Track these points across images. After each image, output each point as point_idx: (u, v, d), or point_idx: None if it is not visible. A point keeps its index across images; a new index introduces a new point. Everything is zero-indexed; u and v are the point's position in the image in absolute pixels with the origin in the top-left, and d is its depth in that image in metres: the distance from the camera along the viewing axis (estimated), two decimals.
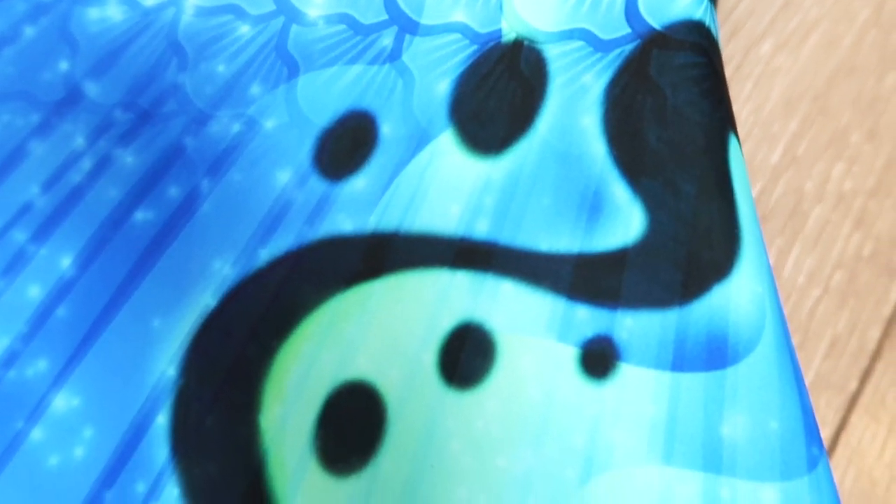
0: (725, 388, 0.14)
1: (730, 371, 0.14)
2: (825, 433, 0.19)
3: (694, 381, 0.14)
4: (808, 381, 0.20)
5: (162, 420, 0.15)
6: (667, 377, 0.14)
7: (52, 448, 0.15)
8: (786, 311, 0.21)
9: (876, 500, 0.19)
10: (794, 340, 0.20)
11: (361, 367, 0.15)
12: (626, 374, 0.15)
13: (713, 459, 0.14)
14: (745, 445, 0.14)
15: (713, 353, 0.14)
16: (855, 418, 0.20)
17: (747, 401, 0.14)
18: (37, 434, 0.16)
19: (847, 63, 0.24)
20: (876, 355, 0.20)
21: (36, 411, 0.16)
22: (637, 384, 0.14)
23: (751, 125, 0.23)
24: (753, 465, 0.14)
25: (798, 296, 0.21)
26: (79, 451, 0.15)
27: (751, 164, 0.22)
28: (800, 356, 0.20)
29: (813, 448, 0.14)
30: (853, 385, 0.20)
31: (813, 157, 0.22)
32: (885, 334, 0.21)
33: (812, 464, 0.14)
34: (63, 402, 0.16)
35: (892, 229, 0.22)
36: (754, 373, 0.14)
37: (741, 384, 0.14)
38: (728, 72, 0.24)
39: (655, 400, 0.14)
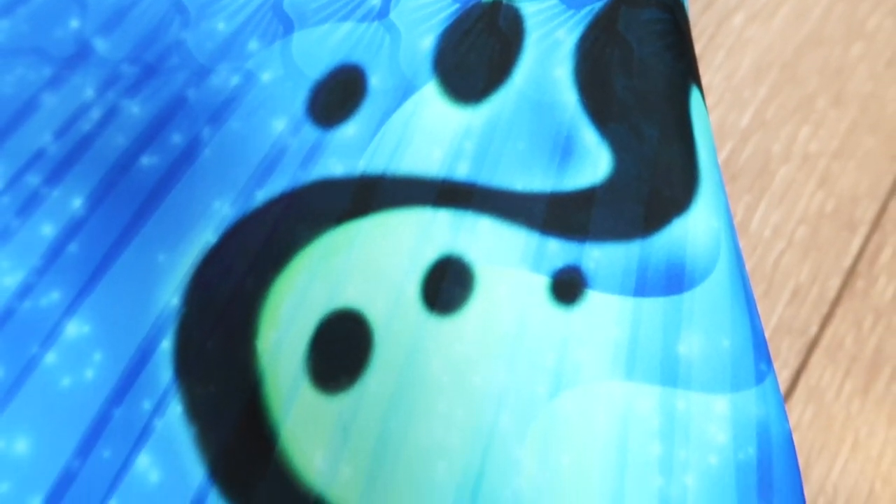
0: (682, 310, 0.15)
1: (686, 295, 0.16)
2: (786, 374, 0.21)
3: (654, 305, 0.16)
4: (770, 326, 0.21)
5: (166, 345, 0.17)
6: (629, 302, 0.16)
7: (65, 370, 0.17)
8: (751, 263, 0.22)
9: (833, 435, 0.20)
10: (759, 289, 0.22)
11: (350, 297, 0.17)
12: (593, 299, 0.16)
13: (670, 375, 0.15)
14: (700, 362, 0.15)
15: (672, 280, 0.16)
16: (814, 360, 0.21)
17: (702, 322, 0.15)
18: (50, 358, 0.17)
19: (815, 34, 0.25)
20: (836, 303, 0.22)
21: (49, 337, 0.17)
22: (602, 309, 0.16)
23: (722, 91, 0.24)
24: (706, 379, 0.15)
25: (763, 248, 0.22)
26: (89, 373, 0.17)
27: (721, 127, 0.24)
28: (763, 304, 0.21)
29: (761, 364, 0.15)
30: (813, 330, 0.21)
31: (780, 120, 0.24)
32: (845, 284, 0.22)
33: (760, 377, 0.15)
34: (75, 328, 0.17)
35: (854, 188, 0.23)
36: (709, 297, 0.15)
37: (697, 307, 0.15)
38: (702, 42, 0.25)
39: (619, 322, 0.16)
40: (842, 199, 0.23)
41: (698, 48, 0.25)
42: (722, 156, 0.23)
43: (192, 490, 0.16)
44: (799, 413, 0.20)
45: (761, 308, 0.21)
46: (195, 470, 0.16)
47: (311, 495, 0.16)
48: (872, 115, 0.24)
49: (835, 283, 0.22)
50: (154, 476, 0.16)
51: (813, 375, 0.21)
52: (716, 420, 0.15)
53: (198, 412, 0.16)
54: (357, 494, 0.15)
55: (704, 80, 0.24)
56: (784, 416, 0.15)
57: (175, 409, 0.16)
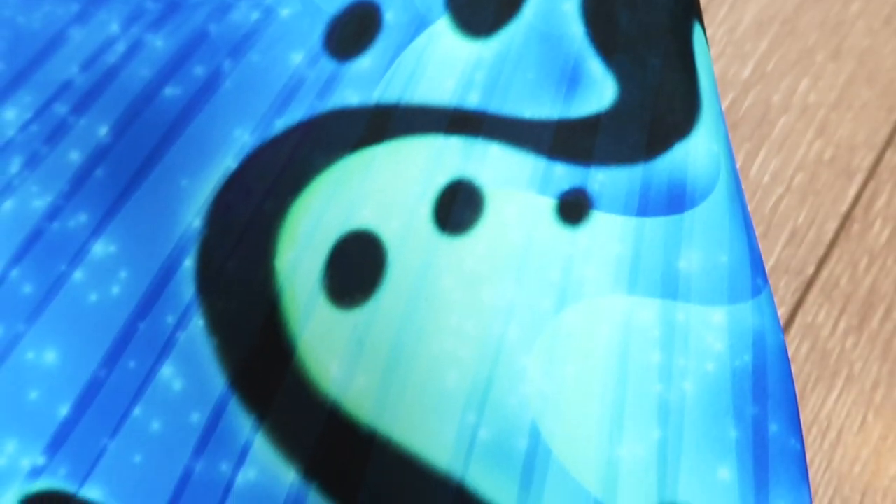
0: (683, 228, 0.16)
1: (687, 215, 0.16)
2: (783, 311, 0.21)
3: (656, 224, 0.16)
4: (768, 266, 0.22)
5: (189, 263, 0.17)
6: (632, 221, 0.16)
7: (92, 287, 0.17)
8: (750, 207, 0.23)
9: (828, 369, 0.21)
10: (758, 231, 0.22)
11: (365, 218, 0.17)
12: (597, 219, 0.17)
13: (670, 288, 0.16)
14: (699, 276, 0.16)
15: (673, 200, 0.16)
16: (810, 299, 0.22)
17: (701, 239, 0.16)
18: (78, 275, 0.18)
19: None
20: (832, 245, 0.22)
21: (77, 256, 0.18)
22: (606, 228, 0.16)
23: (724, 44, 0.25)
24: (705, 292, 0.16)
25: (763, 193, 0.23)
26: (115, 290, 0.17)
27: (723, 78, 0.24)
28: (761, 245, 0.22)
29: (757, 279, 0.16)
30: (810, 270, 0.22)
31: (781, 73, 0.24)
32: (842, 227, 0.23)
33: (756, 291, 0.16)
34: (101, 248, 0.18)
35: (852, 137, 0.24)
36: (708, 215, 0.16)
37: (697, 225, 0.16)
38: None
39: (622, 240, 0.16)
40: (839, 148, 0.24)
41: (703, 3, 0.25)
42: (723, 106, 0.24)
43: (214, 398, 0.17)
44: (795, 348, 0.21)
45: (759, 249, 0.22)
46: (216, 379, 0.17)
47: (327, 403, 0.16)
48: (870, 69, 0.25)
49: (831, 226, 0.23)
50: (177, 385, 0.17)
51: (809, 313, 0.21)
52: (713, 330, 0.16)
53: (219, 326, 0.17)
54: (371, 402, 0.16)
55: (707, 34, 0.25)
56: (779, 328, 0.16)
57: (197, 323, 0.17)
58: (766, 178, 0.23)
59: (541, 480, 0.15)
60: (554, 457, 0.15)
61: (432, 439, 0.16)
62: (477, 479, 0.15)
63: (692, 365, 0.15)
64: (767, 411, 0.15)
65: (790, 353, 0.21)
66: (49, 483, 0.16)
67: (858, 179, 0.23)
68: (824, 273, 0.22)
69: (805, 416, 0.20)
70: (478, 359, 0.16)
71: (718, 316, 0.16)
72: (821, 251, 0.22)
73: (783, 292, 0.22)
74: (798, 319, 0.21)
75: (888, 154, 0.24)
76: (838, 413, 0.20)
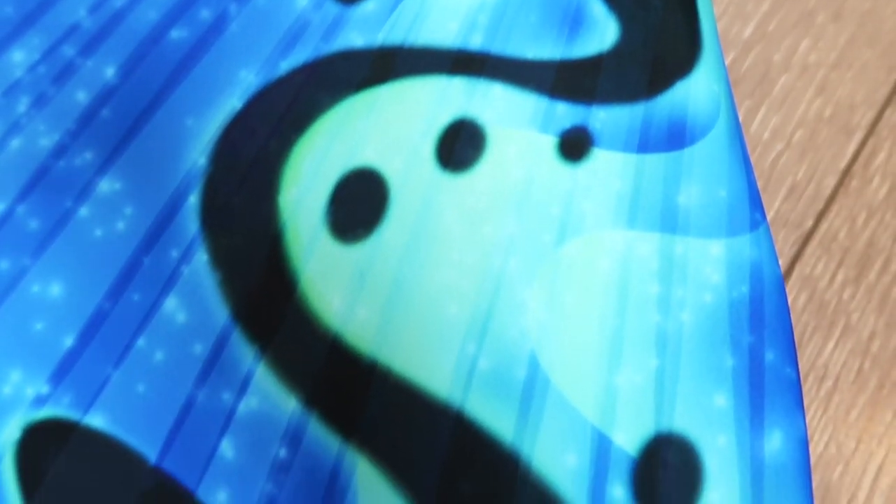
0: (682, 164, 0.16)
1: (687, 151, 0.16)
2: (781, 263, 0.22)
3: (656, 160, 0.16)
4: (767, 219, 0.22)
5: (193, 200, 0.18)
6: (632, 158, 0.17)
7: (97, 222, 0.18)
8: (751, 161, 0.23)
9: (825, 319, 0.21)
10: (757, 185, 0.22)
11: (368, 156, 0.18)
12: (598, 156, 0.17)
13: (669, 222, 0.16)
14: (698, 210, 0.16)
15: (673, 137, 0.17)
16: (809, 251, 0.22)
17: (701, 174, 0.16)
18: (83, 211, 0.18)
19: None
20: (831, 199, 0.22)
21: (83, 193, 0.18)
22: (607, 164, 0.17)
23: (727, 4, 0.25)
24: (704, 225, 0.16)
25: (763, 148, 0.23)
26: (120, 225, 0.18)
27: (725, 36, 0.25)
28: (761, 198, 0.22)
29: (755, 213, 0.16)
30: (809, 223, 0.22)
31: (782, 33, 0.25)
32: (841, 182, 0.23)
33: (754, 225, 0.16)
34: (107, 185, 0.18)
35: (851, 96, 0.24)
36: (708, 151, 0.16)
37: (696, 161, 0.16)
38: None
39: (622, 176, 0.17)
40: (839, 107, 0.24)
41: None
42: (725, 63, 0.24)
43: (216, 329, 0.17)
44: (793, 298, 0.21)
45: None
46: (219, 311, 0.17)
47: (329, 334, 0.16)
48: (870, 30, 0.25)
49: (830, 181, 0.23)
50: (181, 317, 0.17)
51: (807, 265, 0.22)
52: (711, 262, 0.16)
53: (222, 260, 0.17)
54: (372, 333, 0.16)
55: None
56: (776, 262, 0.16)
57: (201, 258, 0.17)
58: (767, 135, 0.23)
59: (539, 408, 0.15)
60: (552, 385, 0.16)
61: (432, 369, 0.16)
62: (476, 407, 0.16)
63: (690, 296, 0.16)
64: (764, 340, 0.15)
65: (788, 304, 0.21)
66: (53, 411, 0.16)
67: (858, 137, 0.23)
68: (823, 226, 0.22)
69: (802, 365, 0.20)
70: (478, 291, 0.16)
71: (717, 248, 0.16)
72: (819, 205, 0.22)
73: (782, 245, 0.22)
74: (796, 271, 0.22)
75: (888, 112, 0.24)
76: (835, 362, 0.21)
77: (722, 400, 0.15)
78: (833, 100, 0.24)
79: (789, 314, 0.15)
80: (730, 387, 0.15)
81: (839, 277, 0.22)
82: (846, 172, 0.23)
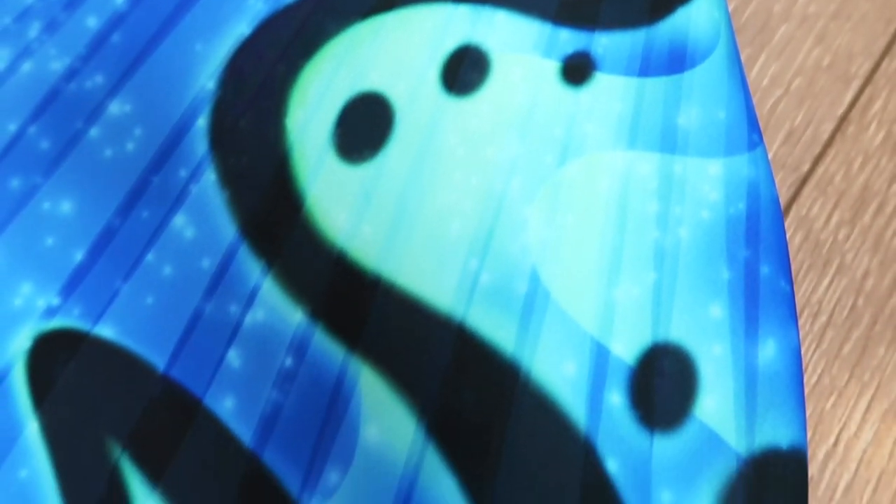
0: (682, 87, 0.17)
1: (686, 74, 0.17)
2: None
3: (656, 84, 0.17)
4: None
5: (202, 122, 0.18)
6: (634, 81, 0.17)
7: (107, 143, 0.18)
8: None
9: (820, 258, 0.21)
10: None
11: (374, 81, 0.18)
12: (600, 80, 0.17)
13: (669, 143, 0.16)
14: (697, 131, 0.16)
15: (674, 61, 0.17)
16: (805, 193, 0.22)
17: (700, 96, 0.17)
18: (94, 132, 0.18)
19: None
20: (828, 144, 0.23)
21: (93, 114, 0.18)
22: (609, 88, 0.17)
23: None
24: (702, 145, 0.16)
25: (761, 94, 0.23)
26: (130, 146, 0.18)
27: None
28: None
29: (753, 135, 0.16)
30: (806, 167, 0.22)
31: None
32: (838, 128, 0.23)
33: (752, 146, 0.16)
34: (117, 107, 0.18)
35: (849, 46, 0.24)
36: (708, 75, 0.17)
37: (696, 84, 0.17)
38: None
39: (623, 99, 0.17)
40: (838, 56, 0.24)
41: None
42: None
43: (224, 245, 0.17)
44: (789, 238, 0.22)
45: None
46: (227, 228, 0.17)
47: (334, 250, 0.17)
48: None
49: (828, 127, 0.23)
50: (189, 233, 0.17)
51: (804, 206, 0.22)
52: (709, 181, 0.16)
53: (230, 179, 0.18)
54: (376, 250, 0.17)
55: None
56: (772, 182, 0.16)
57: (209, 177, 0.18)
58: (766, 81, 0.23)
59: (539, 320, 0.16)
60: (552, 299, 0.16)
61: (435, 284, 0.16)
62: (477, 319, 0.16)
63: (688, 213, 0.16)
64: (759, 254, 0.16)
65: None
66: (63, 322, 0.17)
67: (855, 85, 0.24)
68: (819, 170, 0.22)
69: (797, 301, 0.21)
70: (481, 209, 0.17)
71: (715, 167, 0.16)
72: (817, 150, 0.23)
73: (779, 186, 0.22)
74: (793, 212, 0.22)
75: (885, 62, 0.24)
76: (829, 299, 0.21)
77: (717, 311, 0.15)
78: (832, 49, 0.24)
79: (784, 231, 0.16)
80: (725, 298, 0.15)
81: (835, 218, 0.22)
82: (843, 119, 0.23)
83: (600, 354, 0.16)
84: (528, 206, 0.16)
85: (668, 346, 0.15)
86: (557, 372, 0.16)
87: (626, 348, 0.15)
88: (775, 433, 0.15)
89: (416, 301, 0.16)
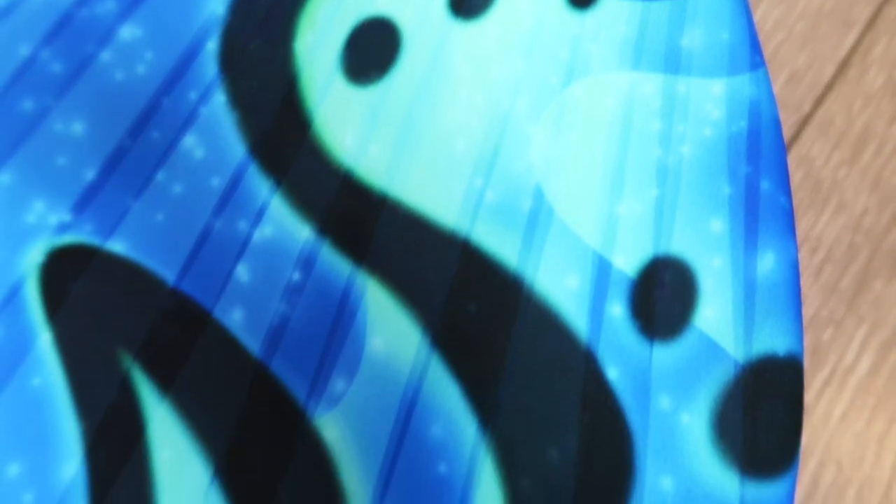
0: (686, 9, 0.17)
1: None
2: None
3: (661, 6, 0.17)
4: None
5: (211, 46, 0.18)
6: (639, 5, 0.17)
7: (118, 66, 0.18)
8: None
9: (820, 196, 0.22)
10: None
11: (381, 6, 0.18)
12: (605, 4, 0.17)
13: (673, 63, 0.17)
14: (700, 52, 0.17)
15: None
16: (806, 133, 0.22)
17: (704, 18, 0.17)
18: (105, 56, 0.18)
19: None
20: (829, 87, 0.23)
21: (104, 39, 0.18)
22: (614, 11, 0.17)
23: None
24: (706, 66, 0.17)
25: (764, 38, 0.24)
26: (141, 69, 0.18)
27: None
28: None
29: (756, 56, 0.17)
30: (807, 108, 0.23)
31: None
32: (839, 71, 0.23)
33: (754, 66, 0.17)
34: (128, 31, 0.18)
35: None
36: None
37: (700, 6, 0.17)
38: None
39: (628, 22, 0.17)
40: (839, 2, 0.24)
41: None
42: None
43: (233, 164, 0.17)
44: (791, 172, 0.22)
45: None
46: (236, 148, 0.17)
47: (341, 169, 0.17)
48: None
49: (829, 70, 0.23)
50: (198, 153, 0.18)
51: (804, 146, 0.22)
52: (712, 100, 0.16)
53: (239, 101, 0.18)
54: (383, 168, 0.17)
55: None
56: (773, 103, 0.17)
57: (219, 99, 0.18)
58: (769, 25, 0.24)
59: (542, 236, 0.16)
60: (556, 215, 0.16)
61: (440, 201, 0.17)
62: (482, 235, 0.16)
63: (691, 131, 0.16)
64: (760, 170, 0.16)
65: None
66: (75, 238, 0.17)
67: (857, 30, 0.24)
68: (820, 111, 0.23)
69: (796, 237, 0.21)
70: (486, 128, 0.17)
71: (717, 87, 0.16)
72: (818, 92, 0.23)
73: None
74: (793, 151, 0.22)
75: (886, 8, 0.24)
76: (828, 235, 0.21)
77: (718, 225, 0.16)
78: None
79: (785, 150, 0.16)
80: (726, 213, 0.16)
81: (834, 158, 0.22)
82: (844, 62, 0.23)
83: (602, 267, 0.16)
84: (533, 125, 0.17)
85: (669, 258, 0.16)
86: (560, 285, 0.16)
87: (628, 261, 0.16)
88: (772, 341, 0.15)
89: (422, 218, 0.17)
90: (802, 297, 0.20)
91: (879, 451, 0.19)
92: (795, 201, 0.21)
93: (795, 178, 0.22)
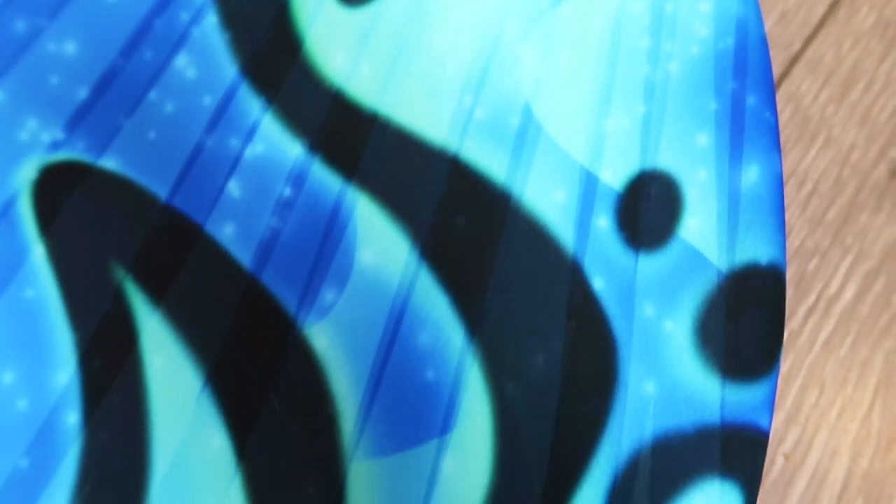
0: None
1: None
2: None
3: None
4: None
5: None
6: None
7: None
8: None
9: (808, 131, 0.22)
10: None
11: None
12: None
13: None
14: None
15: None
16: (796, 71, 0.23)
17: None
18: None
19: None
20: (819, 26, 0.23)
21: None
22: None
23: None
24: None
25: None
26: None
27: None
28: None
29: None
30: (797, 46, 0.23)
31: None
32: (830, 11, 0.23)
33: None
34: None
35: None
36: None
37: None
38: None
39: None
40: None
41: None
42: None
43: (225, 84, 0.18)
44: (780, 109, 0.22)
45: None
46: (228, 68, 0.18)
47: (332, 88, 0.17)
48: None
49: (820, 9, 0.23)
50: (190, 73, 0.18)
51: (793, 83, 0.22)
52: (700, 17, 0.17)
53: (231, 21, 0.18)
54: (373, 88, 0.17)
55: None
56: (761, 23, 0.17)
57: (210, 20, 0.18)
58: None
59: (531, 152, 0.16)
60: (544, 132, 0.16)
61: (430, 119, 0.17)
62: (471, 151, 0.16)
63: (678, 48, 0.16)
64: (746, 86, 0.16)
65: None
66: (68, 155, 0.17)
67: None
68: (810, 50, 0.23)
69: (784, 169, 0.21)
70: (477, 49, 0.17)
71: (705, 5, 0.17)
72: (808, 31, 0.23)
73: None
74: (783, 88, 0.22)
75: None
76: (815, 168, 0.21)
77: (704, 139, 0.16)
78: None
79: (771, 68, 0.16)
80: (712, 127, 0.16)
81: (823, 95, 0.22)
82: (835, 2, 0.24)
83: (589, 182, 0.16)
84: (522, 44, 0.17)
85: (656, 172, 0.16)
86: (547, 198, 0.16)
87: (615, 175, 0.16)
88: (755, 250, 0.15)
89: (412, 135, 0.17)
90: (788, 228, 0.21)
91: (862, 374, 0.19)
92: (783, 137, 0.22)
93: (784, 114, 0.22)
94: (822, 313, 0.20)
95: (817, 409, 0.19)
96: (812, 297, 0.20)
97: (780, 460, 0.18)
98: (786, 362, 0.19)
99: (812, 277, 0.20)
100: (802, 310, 0.20)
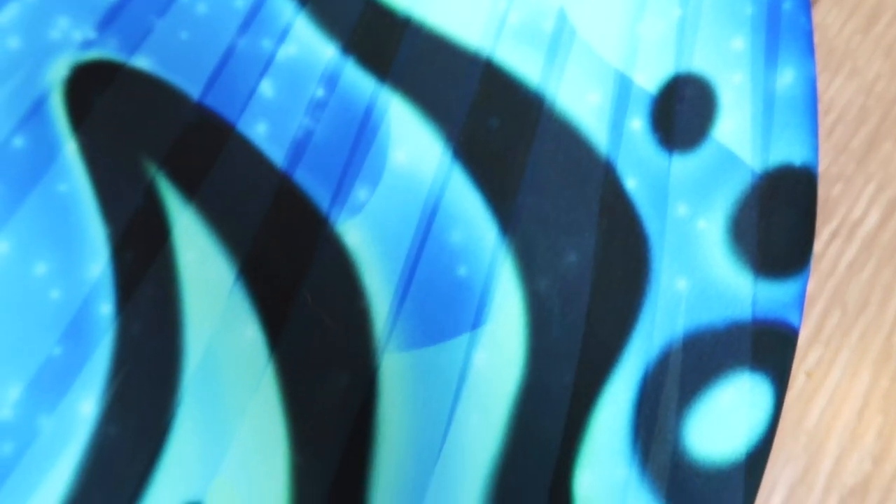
0: None
1: None
2: None
3: None
4: None
5: None
6: None
7: None
8: None
9: (833, 62, 0.22)
10: None
11: None
12: None
13: None
14: None
15: None
16: (823, 1, 0.23)
17: None
18: None
19: None
20: None
21: None
22: None
23: None
24: None
25: None
26: None
27: None
28: None
29: None
30: None
31: None
32: None
33: None
34: None
35: None
36: None
37: None
38: None
39: None
40: None
41: None
42: None
43: (240, 17, 0.18)
44: None
45: None
46: None
47: None
48: None
49: None
50: (202, 9, 0.18)
51: (819, 14, 0.22)
52: None
53: None
54: None
55: None
56: None
57: None
58: None
59: (564, 55, 0.16)
60: (578, 35, 0.16)
61: (464, 23, 0.17)
62: (505, 54, 0.16)
63: None
64: None
65: None
66: (100, 53, 0.17)
67: None
68: None
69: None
70: None
71: None
72: None
73: None
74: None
75: None
76: (840, 97, 0.21)
77: (739, 43, 0.16)
78: None
79: None
80: (748, 31, 0.16)
81: (849, 27, 0.22)
82: None
83: (623, 84, 0.16)
84: None
85: (690, 75, 0.16)
86: (581, 101, 0.16)
87: (649, 78, 0.16)
88: (789, 151, 0.15)
89: (445, 38, 0.17)
90: None
91: (884, 298, 0.19)
92: None
93: None
94: (845, 238, 0.20)
95: (839, 330, 0.19)
96: (835, 222, 0.20)
97: (801, 377, 0.19)
98: (809, 284, 0.19)
99: (836, 202, 0.20)
100: (826, 233, 0.20)
